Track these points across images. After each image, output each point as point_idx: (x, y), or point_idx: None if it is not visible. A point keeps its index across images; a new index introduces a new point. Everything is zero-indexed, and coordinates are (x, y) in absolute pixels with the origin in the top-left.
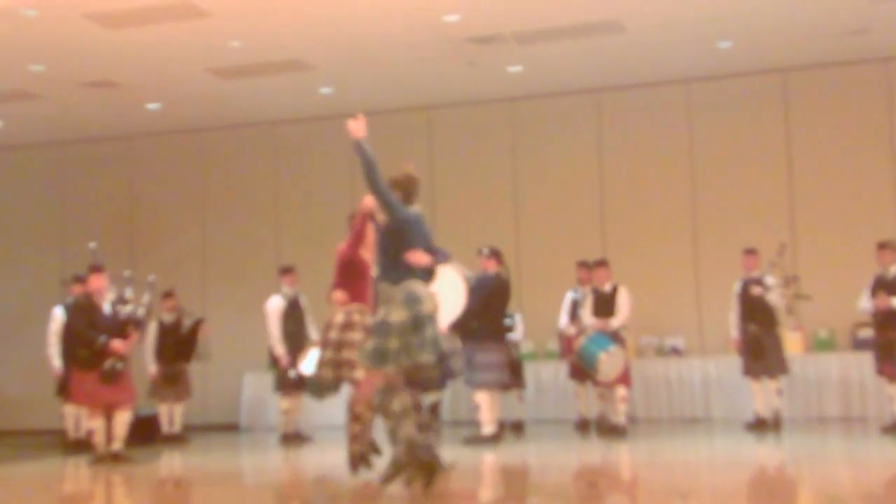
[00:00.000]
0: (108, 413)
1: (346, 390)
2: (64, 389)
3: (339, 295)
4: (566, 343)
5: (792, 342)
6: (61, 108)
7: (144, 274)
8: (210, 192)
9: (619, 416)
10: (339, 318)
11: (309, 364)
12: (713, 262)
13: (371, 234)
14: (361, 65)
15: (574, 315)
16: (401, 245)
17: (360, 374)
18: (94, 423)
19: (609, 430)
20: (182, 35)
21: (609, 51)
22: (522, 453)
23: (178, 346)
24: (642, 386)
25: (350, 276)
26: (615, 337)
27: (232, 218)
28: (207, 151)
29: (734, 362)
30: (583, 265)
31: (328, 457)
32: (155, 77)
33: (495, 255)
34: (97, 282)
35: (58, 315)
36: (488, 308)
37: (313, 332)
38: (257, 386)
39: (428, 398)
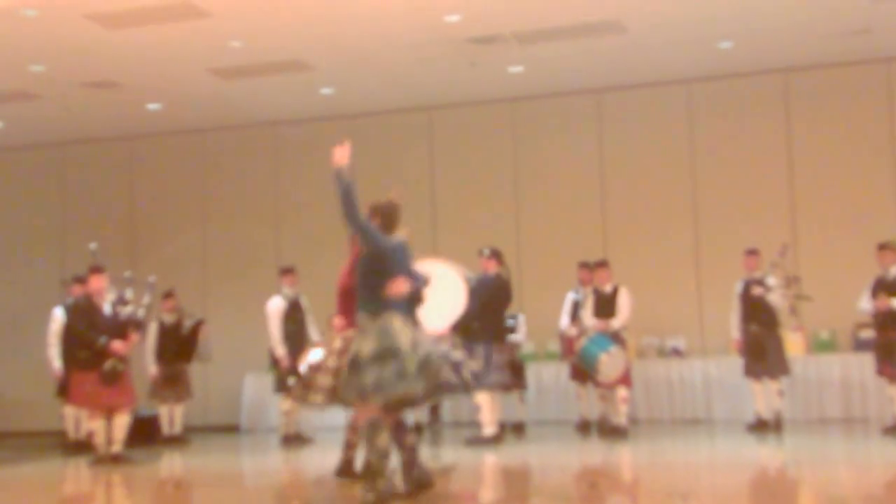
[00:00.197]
0: (108, 414)
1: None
2: (64, 390)
3: (338, 321)
4: (567, 344)
5: (793, 343)
6: (62, 109)
7: (145, 274)
8: (210, 193)
9: (620, 417)
10: (338, 344)
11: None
12: (714, 263)
13: None
14: (362, 65)
15: (575, 316)
16: (380, 275)
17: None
18: (94, 425)
19: (610, 431)
20: (182, 35)
21: (610, 51)
22: (523, 454)
23: (179, 346)
24: (643, 387)
25: (350, 302)
26: (616, 338)
27: (232, 218)
28: (208, 152)
29: (735, 363)
30: (584, 266)
31: (329, 458)
32: (155, 77)
33: (496, 255)
34: (97, 282)
35: (58, 316)
36: (489, 309)
37: (314, 333)
38: (258, 387)
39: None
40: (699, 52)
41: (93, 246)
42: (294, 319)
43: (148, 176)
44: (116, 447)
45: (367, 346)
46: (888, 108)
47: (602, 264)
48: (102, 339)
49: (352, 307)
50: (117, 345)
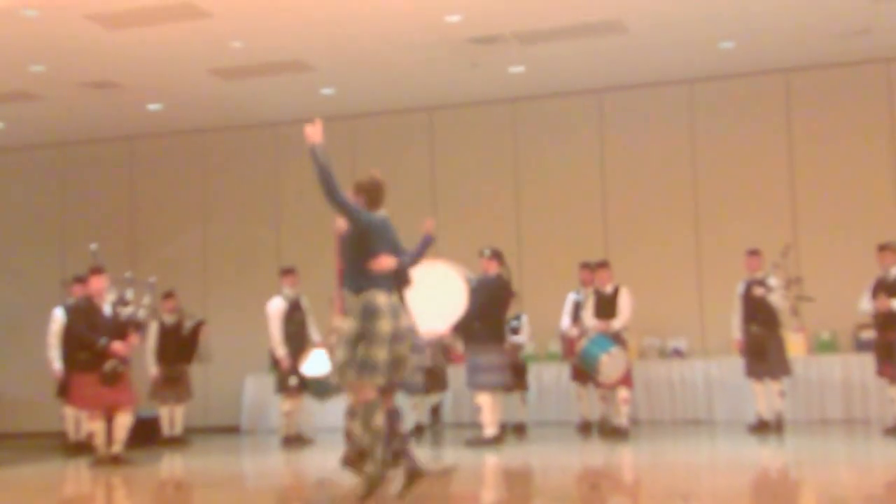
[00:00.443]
0: (109, 415)
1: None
2: (64, 391)
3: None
4: (568, 345)
5: (794, 344)
6: (62, 109)
7: (145, 275)
8: (211, 193)
9: (621, 417)
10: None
11: (310, 365)
12: (715, 264)
13: None
14: (363, 65)
15: (576, 317)
16: (363, 252)
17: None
18: (94, 426)
19: (611, 431)
20: (183, 35)
21: (611, 51)
22: (524, 455)
23: (179, 347)
24: (644, 388)
25: None
26: (617, 338)
27: (233, 219)
28: (208, 152)
29: (736, 364)
30: (585, 266)
31: (329, 459)
32: (156, 78)
33: (496, 256)
34: (98, 283)
35: (58, 316)
36: (489, 310)
37: (315, 334)
38: (258, 388)
39: (429, 400)
40: (700, 52)
41: (93, 246)
42: (295, 320)
43: (148, 176)
44: (117, 448)
45: (347, 325)
46: (889, 108)
47: (603, 265)
48: (103, 341)
49: None
50: (117, 346)
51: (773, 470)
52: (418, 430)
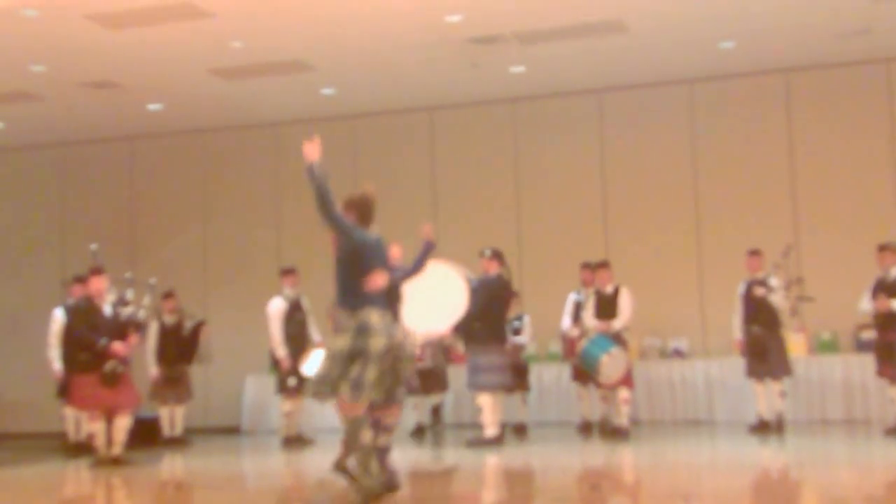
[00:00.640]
0: (109, 416)
1: None
2: (64, 392)
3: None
4: (569, 345)
5: (795, 344)
6: (62, 109)
7: (145, 275)
8: (211, 194)
9: (622, 418)
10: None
11: (311, 365)
12: (716, 264)
13: None
14: (363, 65)
15: (577, 317)
16: (357, 270)
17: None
18: (94, 426)
19: (612, 432)
20: (183, 35)
21: (611, 51)
22: (525, 456)
23: (180, 348)
24: (645, 388)
25: None
26: (617, 339)
27: (233, 219)
28: (209, 152)
29: (737, 364)
30: (586, 267)
31: (330, 459)
32: (156, 78)
33: (497, 256)
34: (98, 283)
35: (58, 317)
36: (490, 310)
37: (315, 334)
38: (259, 388)
39: (430, 400)
40: (700, 52)
41: (93, 247)
42: (295, 320)
43: (148, 176)
44: (117, 449)
45: (340, 342)
46: (889, 108)
47: (603, 265)
48: (102, 341)
49: None
50: (117, 346)
51: (774, 470)
52: (419, 431)
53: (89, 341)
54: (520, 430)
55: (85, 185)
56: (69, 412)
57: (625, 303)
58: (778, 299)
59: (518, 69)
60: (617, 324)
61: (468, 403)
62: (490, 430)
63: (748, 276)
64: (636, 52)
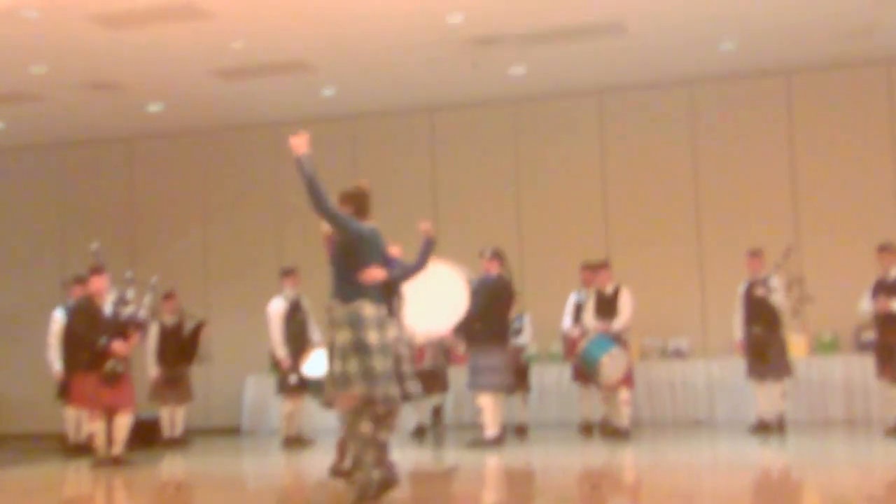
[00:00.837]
0: (109, 416)
1: None
2: (64, 392)
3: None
4: (570, 345)
5: (796, 344)
6: (62, 110)
7: (145, 276)
8: (212, 194)
9: (623, 418)
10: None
11: (311, 366)
12: (717, 264)
13: None
14: (364, 66)
15: (578, 317)
16: (353, 262)
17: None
18: (94, 426)
19: (612, 432)
20: (184, 36)
21: (612, 52)
22: (525, 456)
23: (180, 348)
24: (646, 388)
25: None
26: (617, 339)
27: (234, 219)
28: (209, 153)
29: (738, 364)
30: (586, 267)
31: (330, 460)
32: (156, 78)
33: (497, 256)
34: (98, 283)
35: (58, 317)
36: (491, 310)
37: (315, 334)
38: (259, 389)
39: (430, 401)
40: (701, 53)
41: (94, 246)
42: (295, 321)
43: (149, 177)
44: (117, 449)
45: (340, 336)
46: (890, 109)
47: (603, 265)
48: (103, 340)
49: None
50: (118, 345)
51: (775, 470)
52: (420, 431)
53: (89, 341)
54: (520, 431)
55: (85, 185)
56: (69, 413)
57: (625, 303)
58: (778, 300)
59: (519, 70)
60: (617, 324)
61: (469, 404)
62: (490, 431)
63: (749, 276)
64: (637, 53)
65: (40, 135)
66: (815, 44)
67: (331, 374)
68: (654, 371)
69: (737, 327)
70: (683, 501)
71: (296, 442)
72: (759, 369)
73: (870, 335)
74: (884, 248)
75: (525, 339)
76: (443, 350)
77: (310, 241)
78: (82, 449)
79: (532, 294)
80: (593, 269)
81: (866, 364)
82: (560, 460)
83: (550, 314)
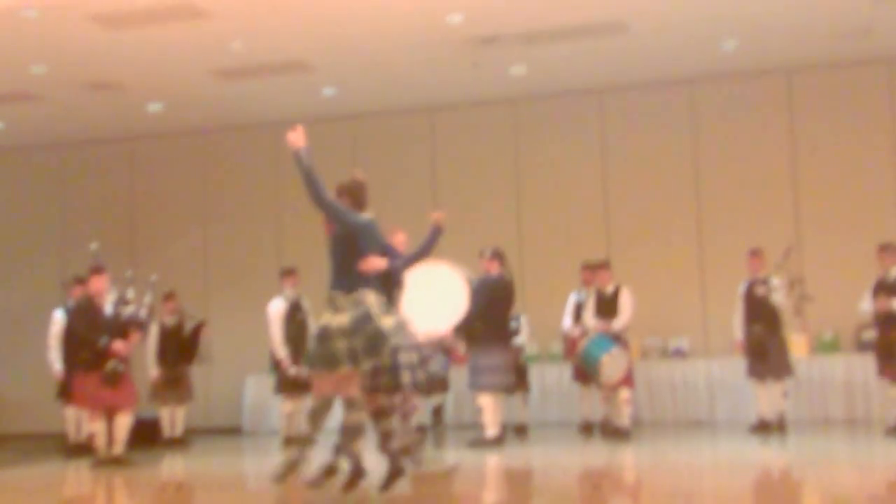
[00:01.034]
0: (109, 416)
1: None
2: (65, 392)
3: None
4: (570, 345)
5: (796, 344)
6: (62, 110)
7: (145, 276)
8: (212, 194)
9: (623, 418)
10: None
11: None
12: (717, 264)
13: None
14: (364, 66)
15: (578, 317)
16: (353, 253)
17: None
18: (94, 427)
19: (613, 432)
20: (184, 36)
21: (612, 51)
22: (526, 456)
23: (180, 348)
24: (646, 388)
25: None
26: (618, 339)
27: (234, 219)
28: (209, 153)
29: (738, 364)
30: (586, 267)
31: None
32: (156, 78)
33: (497, 256)
34: (98, 283)
35: (58, 318)
36: (491, 310)
37: None
38: (259, 389)
39: (431, 400)
40: (702, 52)
41: (94, 246)
42: (295, 321)
43: (148, 177)
44: (117, 448)
45: (338, 318)
46: (890, 108)
47: (603, 265)
48: (103, 340)
49: None
50: (118, 345)
51: (776, 470)
52: (420, 432)
53: (90, 341)
54: (521, 431)
55: (85, 185)
56: (69, 413)
57: (625, 303)
58: (779, 299)
59: (519, 69)
60: (617, 324)
61: (469, 404)
62: (491, 431)
63: (749, 275)
64: (637, 53)
65: (40, 135)
66: (816, 43)
67: (321, 353)
68: (655, 371)
69: (737, 327)
70: (684, 501)
71: (296, 442)
72: (760, 369)
73: (870, 335)
74: (884, 248)
75: (522, 339)
76: (443, 350)
77: (310, 242)
78: (83, 449)
79: (532, 294)
80: (593, 268)
81: (867, 364)
82: (560, 460)
83: (550, 314)
